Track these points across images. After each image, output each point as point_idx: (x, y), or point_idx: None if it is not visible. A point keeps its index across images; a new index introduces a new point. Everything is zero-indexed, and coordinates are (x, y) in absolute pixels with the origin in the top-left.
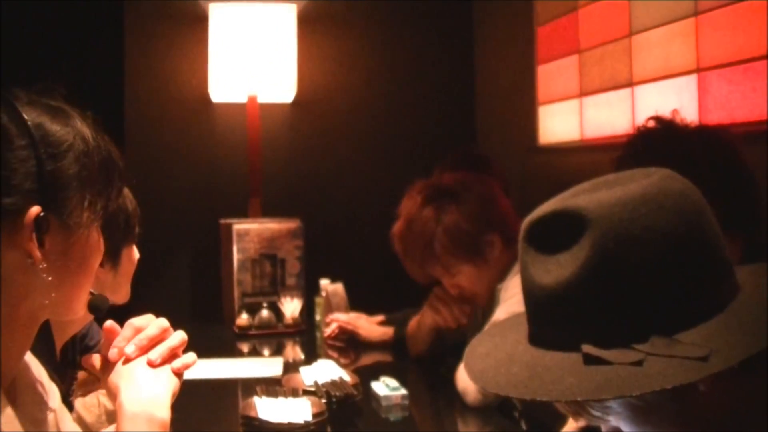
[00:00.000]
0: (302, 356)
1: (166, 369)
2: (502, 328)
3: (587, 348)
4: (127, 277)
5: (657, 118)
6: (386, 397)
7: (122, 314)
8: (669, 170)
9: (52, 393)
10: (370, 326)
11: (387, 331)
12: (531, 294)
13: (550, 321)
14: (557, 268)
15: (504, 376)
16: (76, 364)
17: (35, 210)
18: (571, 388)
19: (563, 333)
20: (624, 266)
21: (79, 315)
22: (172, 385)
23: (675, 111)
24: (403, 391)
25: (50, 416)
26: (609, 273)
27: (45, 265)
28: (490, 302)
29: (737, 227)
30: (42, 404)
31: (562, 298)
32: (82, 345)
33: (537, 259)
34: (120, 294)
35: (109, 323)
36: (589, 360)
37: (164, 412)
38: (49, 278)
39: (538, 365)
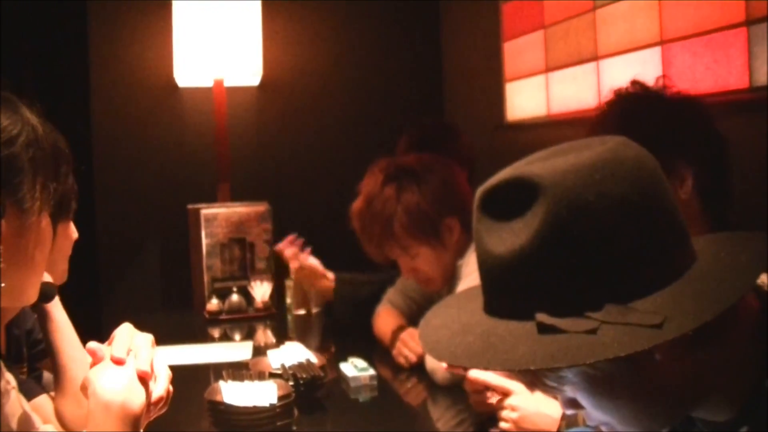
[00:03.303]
0: (273, 340)
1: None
2: (457, 300)
3: (541, 317)
4: (62, 255)
5: (639, 83)
6: (355, 378)
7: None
8: (624, 138)
9: (10, 375)
10: (324, 278)
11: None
12: (485, 263)
13: (505, 290)
14: (511, 237)
15: (458, 347)
16: (22, 358)
17: None
18: (524, 357)
19: (517, 302)
20: (577, 233)
21: (32, 301)
22: (144, 395)
23: (666, 77)
24: (372, 372)
25: (12, 393)
26: (562, 240)
27: (2, 248)
28: (452, 279)
29: (710, 202)
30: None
31: (515, 267)
32: (29, 339)
33: (491, 227)
34: (56, 272)
35: (92, 345)
36: (543, 329)
37: (138, 407)
38: (4, 263)
39: (492, 335)
